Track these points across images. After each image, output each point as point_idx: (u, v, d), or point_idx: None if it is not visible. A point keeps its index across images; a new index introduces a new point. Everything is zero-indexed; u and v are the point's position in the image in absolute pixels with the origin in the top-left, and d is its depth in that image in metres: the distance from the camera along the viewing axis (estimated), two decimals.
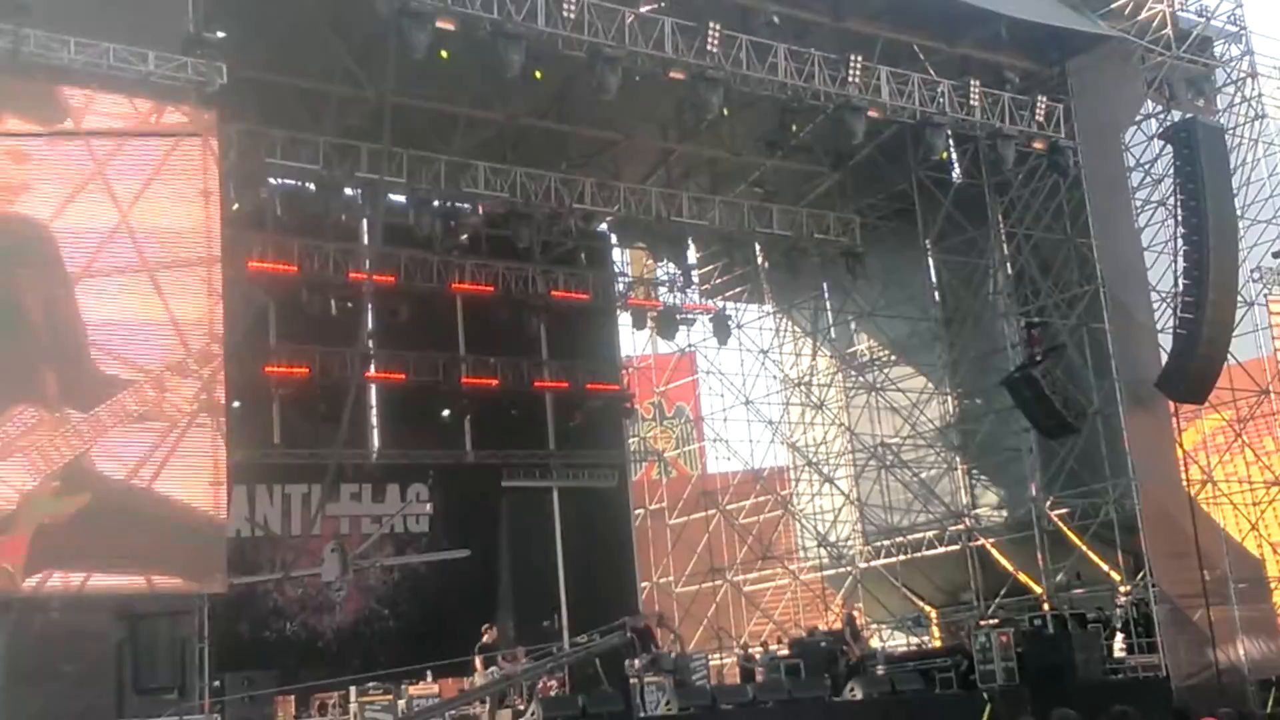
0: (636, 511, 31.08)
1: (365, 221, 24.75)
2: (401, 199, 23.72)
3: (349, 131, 22.21)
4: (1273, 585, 26.35)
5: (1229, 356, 24.61)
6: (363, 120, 22.13)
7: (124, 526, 15.81)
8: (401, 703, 19.15)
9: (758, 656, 25.26)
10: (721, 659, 27.82)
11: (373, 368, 25.48)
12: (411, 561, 25.94)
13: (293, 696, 19.94)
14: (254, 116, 20.97)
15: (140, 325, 16.70)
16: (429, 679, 20.22)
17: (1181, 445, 25.55)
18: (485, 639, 20.53)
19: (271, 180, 22.52)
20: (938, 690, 22.65)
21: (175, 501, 16.38)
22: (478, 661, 20.24)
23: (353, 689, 20.07)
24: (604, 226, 27.61)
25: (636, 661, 20.00)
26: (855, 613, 28.51)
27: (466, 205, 24.91)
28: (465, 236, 25.24)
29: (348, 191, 22.93)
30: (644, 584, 30.53)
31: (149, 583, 16.11)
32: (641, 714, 18.75)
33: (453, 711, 19.04)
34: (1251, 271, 26.47)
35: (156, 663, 16.06)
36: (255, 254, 22.89)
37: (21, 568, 15.25)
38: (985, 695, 21.00)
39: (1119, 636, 25.12)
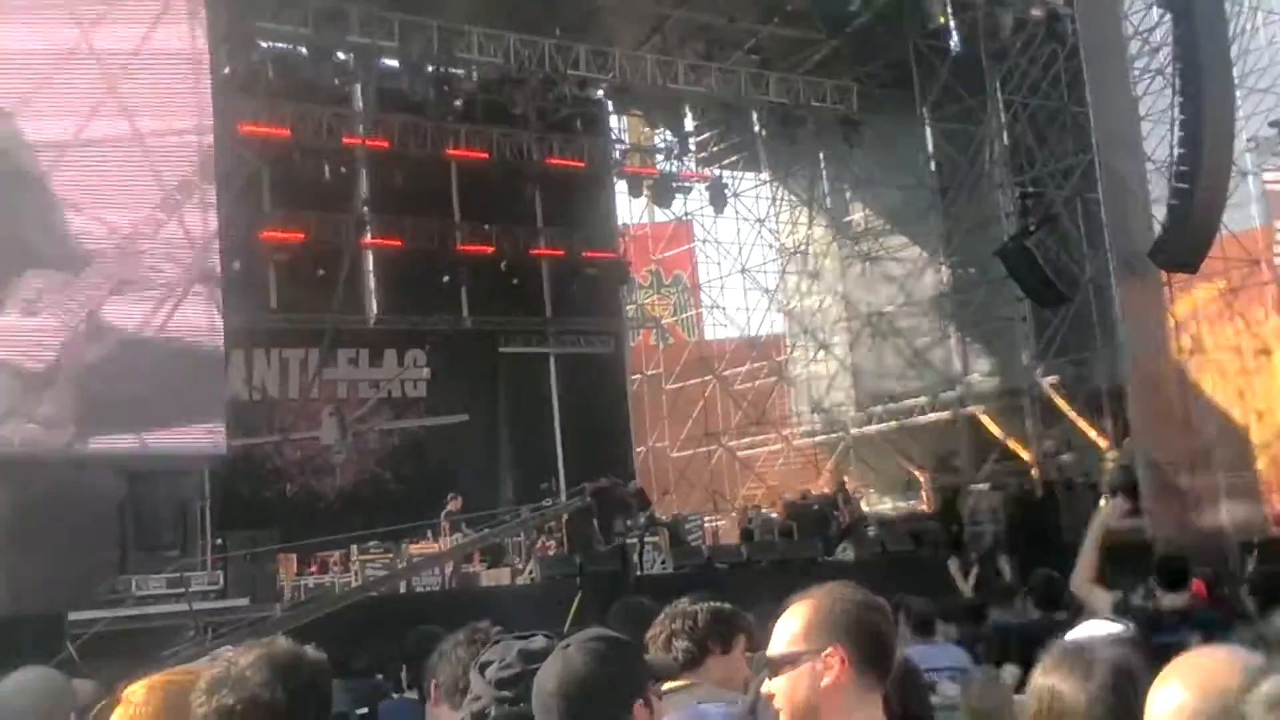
0: (633, 377, 31.32)
1: (358, 86, 24.58)
2: (394, 64, 23.54)
3: None
4: (1257, 451, 26.72)
5: (1222, 227, 24.67)
6: None
7: (125, 386, 16.03)
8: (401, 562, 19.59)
9: (753, 513, 25.71)
10: (716, 521, 28.26)
11: (369, 233, 25.52)
12: (409, 426, 26.23)
13: (294, 555, 20.32)
14: None
15: (132, 194, 16.78)
16: (430, 537, 20.65)
17: (1173, 314, 25.72)
18: (450, 507, 20.98)
19: (262, 44, 22.33)
20: (927, 552, 23.14)
21: (174, 365, 16.59)
22: (444, 528, 20.68)
23: (354, 547, 20.52)
24: (600, 93, 27.38)
25: (620, 523, 20.32)
26: (847, 478, 28.95)
27: (460, 71, 24.72)
28: (459, 102, 25.07)
29: (340, 56, 22.77)
30: (640, 448, 30.88)
31: (148, 443, 16.37)
32: (638, 573, 19.15)
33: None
34: (1248, 141, 26.36)
35: (158, 521, 16.43)
36: (247, 118, 22.78)
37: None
38: (973, 557, 21.43)
39: (1106, 501, 25.50)
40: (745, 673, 2.99)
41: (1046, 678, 2.77)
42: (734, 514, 27.26)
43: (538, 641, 2.85)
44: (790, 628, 2.79)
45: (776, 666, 2.75)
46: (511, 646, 2.80)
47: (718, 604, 3.54)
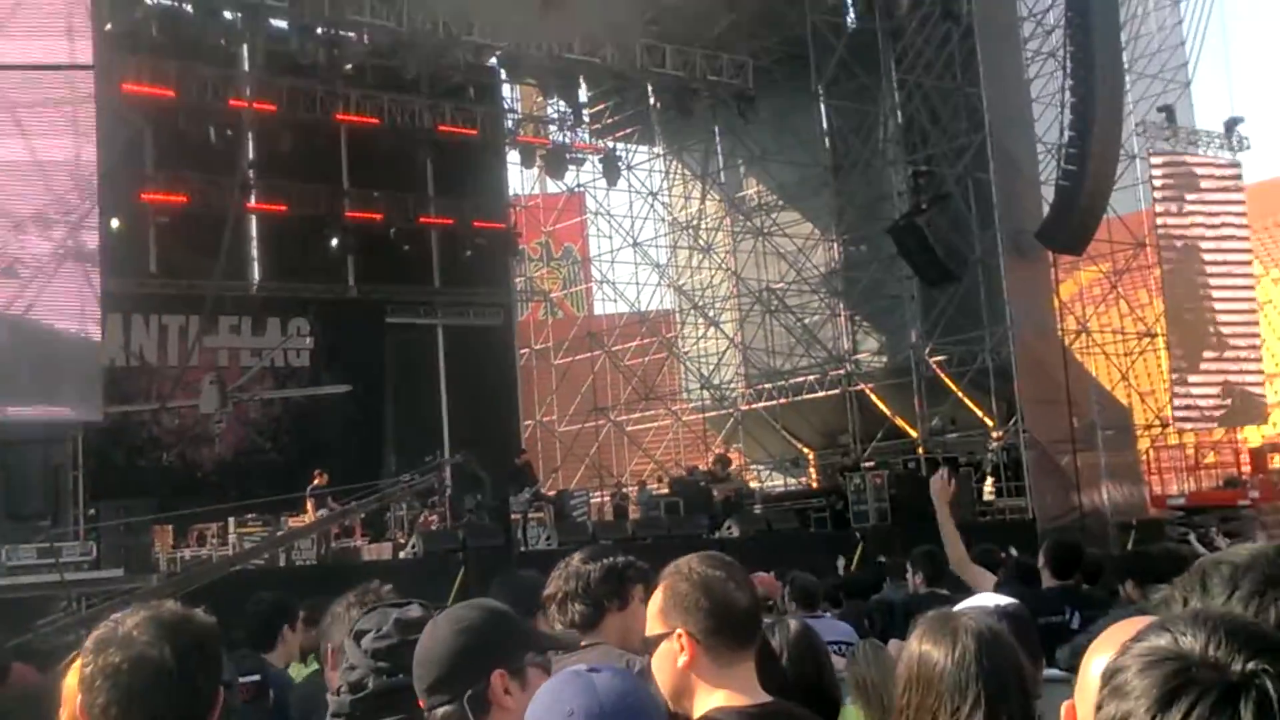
0: (521, 351, 31.07)
1: (245, 47, 23.94)
2: (283, 25, 22.95)
3: None
4: (1139, 433, 27.26)
5: (1109, 209, 25.07)
6: None
7: None
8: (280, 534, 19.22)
9: (633, 495, 25.61)
10: (603, 497, 28.15)
11: (253, 198, 24.91)
12: (291, 395, 25.72)
13: (170, 526, 19.79)
14: None
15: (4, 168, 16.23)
16: (310, 509, 20.29)
17: (1059, 295, 26.11)
18: (317, 481, 20.78)
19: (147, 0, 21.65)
20: (813, 529, 23.24)
21: (48, 331, 16.05)
22: (309, 503, 20.36)
23: (231, 519, 20.06)
24: (493, 61, 27.00)
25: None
26: (730, 454, 29.02)
27: (351, 34, 24.15)
28: (350, 66, 24.53)
29: (227, 15, 22.14)
30: (527, 422, 30.66)
31: (19, 410, 15.82)
32: (522, 548, 18.97)
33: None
34: (1136, 125, 26.80)
35: (29, 489, 15.90)
36: (130, 77, 22.08)
37: None
38: (857, 534, 21.57)
39: (989, 480, 25.87)
40: (644, 625, 2.91)
41: (915, 644, 2.94)
42: (609, 490, 27.06)
43: (414, 610, 2.76)
44: (651, 610, 2.89)
45: (650, 647, 2.85)
46: (388, 615, 2.71)
47: (609, 560, 3.38)
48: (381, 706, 2.57)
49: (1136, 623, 2.20)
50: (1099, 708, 1.46)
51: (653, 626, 2.84)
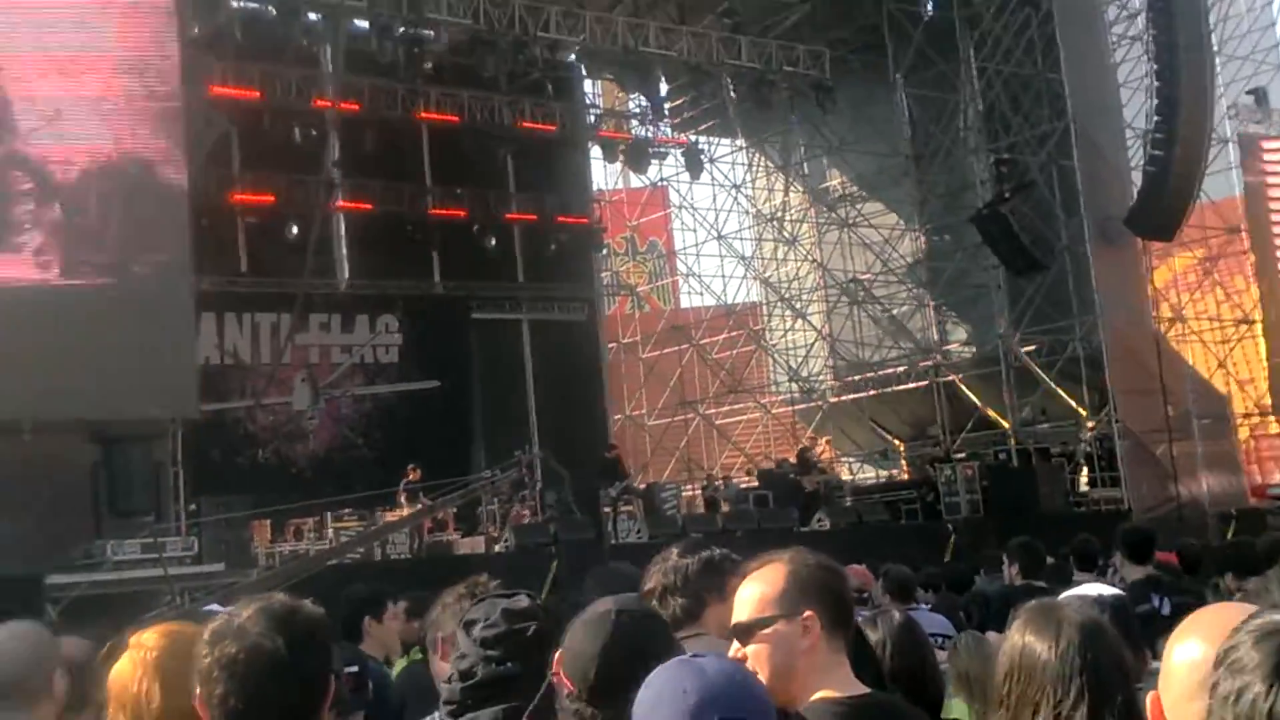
0: (609, 345, 31.16)
1: (327, 48, 24.23)
2: (364, 25, 23.21)
3: None
4: (1238, 422, 26.76)
5: (1200, 194, 24.63)
6: None
7: (96, 352, 15.81)
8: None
9: (722, 487, 25.59)
10: (693, 490, 28.18)
11: (339, 197, 25.23)
12: (381, 391, 26.02)
13: (268, 521, 20.15)
14: None
15: (100, 150, 16.60)
16: (404, 504, 20.53)
17: (1152, 282, 25.71)
18: (411, 477, 20.88)
19: (231, 3, 21.99)
20: (903, 521, 23.11)
21: (147, 331, 16.39)
22: (403, 498, 20.56)
23: (328, 514, 20.35)
24: (572, 57, 27.07)
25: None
26: (817, 446, 28.88)
27: (429, 33, 24.34)
28: (429, 65, 24.71)
29: (309, 16, 22.43)
30: (616, 416, 30.76)
31: (121, 408, 16.17)
32: (613, 542, 19.05)
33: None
34: (1227, 109, 26.32)
35: (132, 486, 16.23)
36: (216, 79, 22.45)
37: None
38: (950, 526, 21.42)
39: (1083, 471, 25.54)
40: None
41: (1017, 636, 2.92)
42: (703, 483, 27.00)
43: (521, 601, 2.81)
44: (758, 593, 2.83)
45: (748, 632, 2.79)
46: (496, 605, 2.77)
47: (708, 553, 3.40)
48: (491, 694, 2.63)
49: (1223, 609, 2.20)
50: (1214, 687, 1.46)
51: (760, 610, 2.81)
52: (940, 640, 7.12)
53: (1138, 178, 24.09)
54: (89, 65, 16.39)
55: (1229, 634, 1.50)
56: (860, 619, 3.41)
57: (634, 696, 2.08)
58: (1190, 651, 2.04)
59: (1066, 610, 2.97)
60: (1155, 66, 23.16)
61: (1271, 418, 27.29)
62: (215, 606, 5.76)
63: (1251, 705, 1.38)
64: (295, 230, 23.34)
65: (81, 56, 16.35)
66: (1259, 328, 27.02)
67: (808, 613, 2.77)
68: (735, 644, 2.81)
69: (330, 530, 20.09)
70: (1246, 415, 27.15)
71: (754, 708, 2.07)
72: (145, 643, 3.05)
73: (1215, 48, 24.79)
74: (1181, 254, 27.20)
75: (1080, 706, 2.77)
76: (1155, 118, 23.20)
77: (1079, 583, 5.60)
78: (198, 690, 2.61)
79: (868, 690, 2.87)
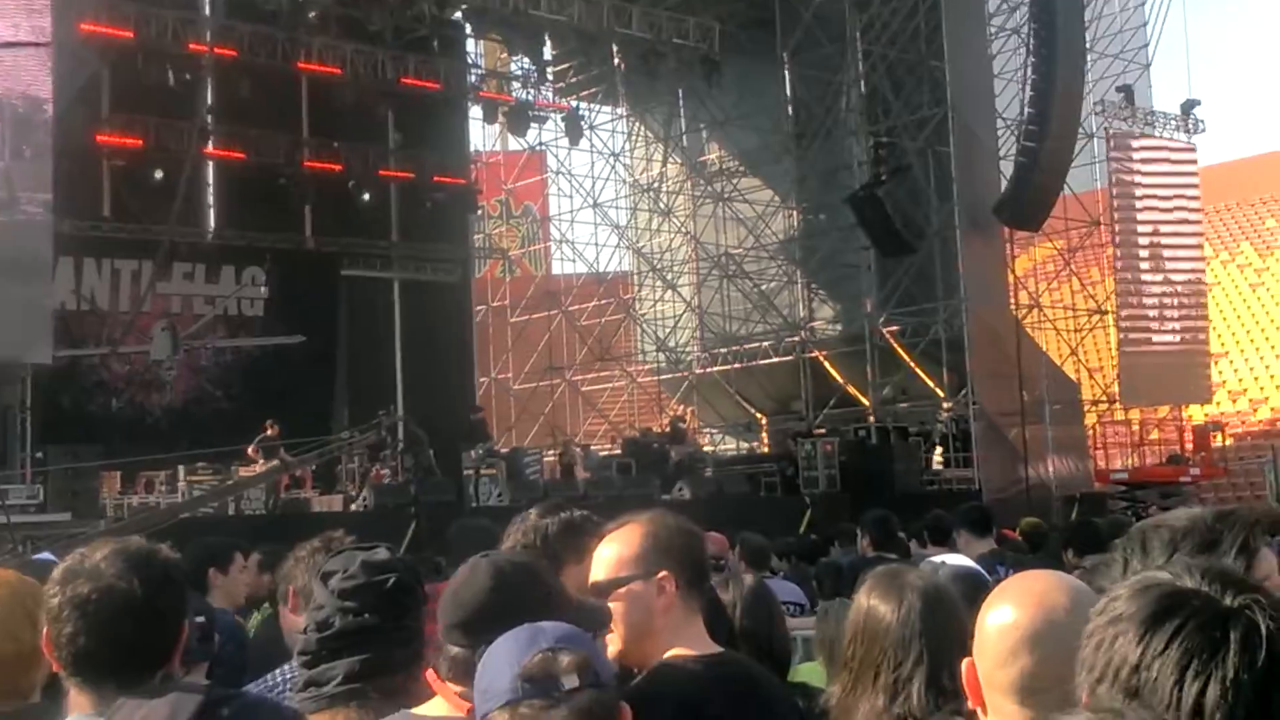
0: (478, 308, 30.98)
1: None
2: None
3: None
4: (1086, 409, 27.59)
5: (1065, 187, 25.26)
6: None
7: None
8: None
9: (580, 453, 25.65)
10: (556, 456, 28.20)
11: (211, 144, 24.66)
12: (244, 345, 25.57)
13: (118, 472, 19.69)
14: None
15: None
16: (257, 459, 20.22)
17: (1013, 270, 26.34)
18: (269, 433, 20.58)
19: None
20: (763, 493, 23.42)
21: None
22: (257, 453, 20.33)
23: (181, 467, 19.97)
24: (458, 15, 26.78)
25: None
26: (683, 418, 29.12)
27: None
28: (313, 15, 24.25)
29: None
30: (482, 380, 30.64)
31: None
32: (474, 504, 19.02)
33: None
34: (1095, 104, 27.01)
35: None
36: (88, 16, 21.77)
37: None
38: (807, 500, 21.76)
39: (938, 450, 26.12)
40: None
41: (863, 599, 2.97)
42: (554, 450, 26.96)
43: (381, 553, 2.79)
44: (615, 553, 2.87)
45: (605, 591, 2.81)
46: (354, 557, 2.75)
47: (568, 513, 3.40)
48: (347, 645, 2.61)
49: (1035, 575, 2.29)
50: (1089, 635, 1.50)
51: (618, 569, 2.85)
52: (792, 608, 7.28)
53: (1007, 167, 24.61)
54: None
55: (1111, 588, 1.55)
56: (714, 583, 3.46)
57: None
58: (1002, 616, 2.11)
59: (911, 576, 3.02)
60: (1033, 60, 23.65)
61: (1118, 405, 28.16)
62: (48, 555, 5.63)
63: (1123, 652, 1.43)
64: (162, 175, 22.75)
65: None
66: (1110, 318, 27.86)
67: (663, 573, 2.81)
68: None
69: (183, 483, 19.72)
70: (1095, 402, 27.99)
71: (584, 643, 2.08)
72: None
73: (1088, 45, 25.40)
74: (1042, 244, 27.90)
75: (919, 669, 2.81)
76: (1029, 110, 23.72)
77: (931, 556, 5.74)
78: (44, 629, 2.56)
79: (720, 650, 2.91)
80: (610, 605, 2.80)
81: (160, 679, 2.55)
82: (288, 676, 3.27)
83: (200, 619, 5.49)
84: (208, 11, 23.91)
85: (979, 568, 4.67)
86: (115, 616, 2.51)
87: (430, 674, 2.49)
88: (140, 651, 2.54)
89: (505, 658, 2.00)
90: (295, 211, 25.61)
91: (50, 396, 18.98)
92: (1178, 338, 28.58)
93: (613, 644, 2.79)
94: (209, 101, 23.86)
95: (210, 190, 25.53)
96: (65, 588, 2.54)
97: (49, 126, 16.89)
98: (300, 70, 24.90)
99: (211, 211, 25.61)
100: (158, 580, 2.57)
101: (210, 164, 25.14)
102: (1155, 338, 28.22)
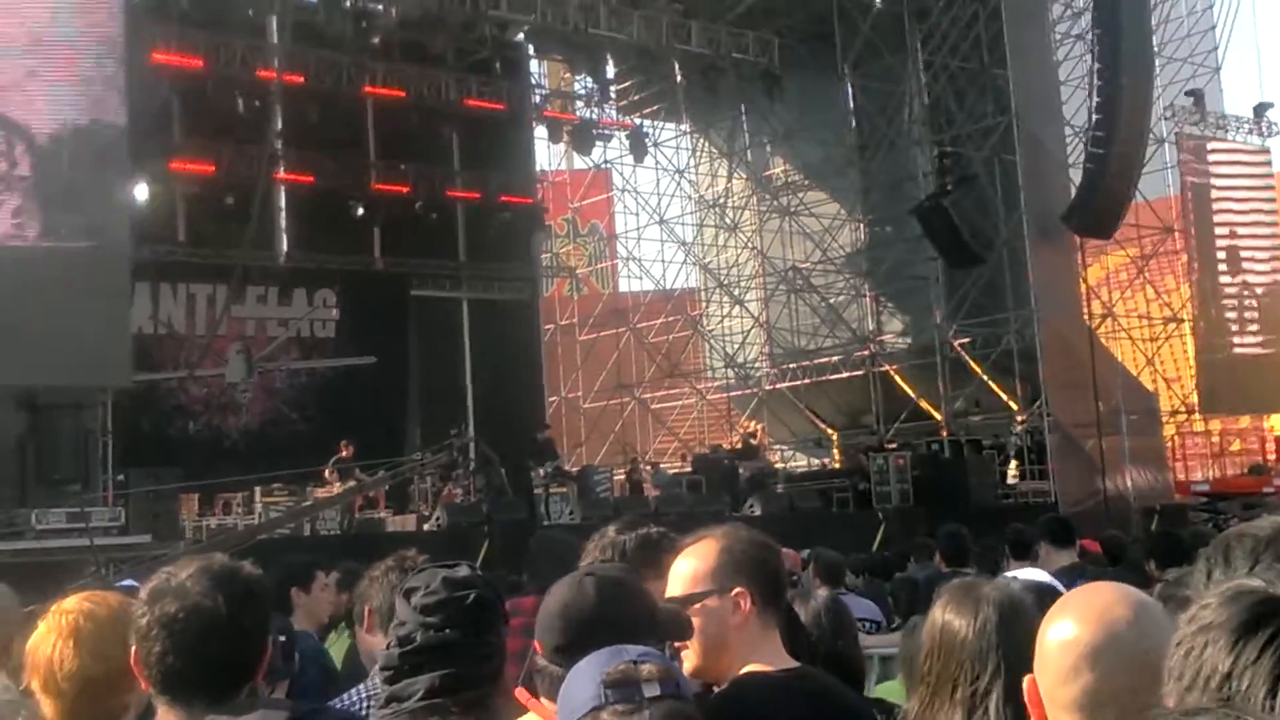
0: (546, 327, 31.12)
1: (274, 18, 23.99)
2: None
3: None
4: (1164, 419, 27.19)
5: (1136, 194, 24.98)
6: None
7: (28, 319, 15.60)
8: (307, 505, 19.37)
9: (647, 473, 25.66)
10: (624, 473, 28.23)
11: (281, 169, 25.02)
12: (317, 366, 25.84)
13: (196, 494, 19.96)
14: None
15: (40, 113, 16.36)
16: (332, 481, 20.41)
17: (1085, 279, 26.04)
18: (343, 454, 20.73)
19: None
20: (835, 509, 23.28)
21: (79, 298, 16.19)
22: (333, 474, 20.47)
23: (257, 489, 20.19)
24: (520, 36, 26.99)
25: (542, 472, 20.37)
26: (753, 434, 29.02)
27: (378, 7, 24.18)
28: (377, 40, 24.56)
29: None
30: (552, 398, 30.75)
31: (51, 374, 15.98)
32: (545, 523, 19.07)
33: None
34: (1165, 109, 26.69)
35: (59, 455, 16.04)
36: (159, 46, 22.16)
37: None
38: (880, 515, 21.62)
39: (1012, 463, 25.85)
40: None
41: (938, 614, 2.93)
42: (623, 468, 26.93)
43: (461, 570, 2.82)
44: (691, 568, 2.89)
45: (681, 607, 2.81)
46: (435, 574, 2.78)
47: (645, 530, 3.43)
48: (429, 660, 2.64)
49: (1096, 588, 2.25)
50: (1178, 645, 1.48)
51: (694, 585, 2.86)
52: (867, 625, 7.23)
53: (1076, 175, 24.37)
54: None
55: (1199, 595, 1.53)
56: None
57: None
58: (1063, 631, 2.07)
59: (986, 589, 2.99)
60: (1098, 65, 23.40)
61: (1197, 415, 27.74)
62: (131, 581, 5.71)
63: (1214, 661, 1.42)
64: (233, 201, 23.09)
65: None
66: (1187, 326, 27.46)
67: (739, 588, 2.82)
68: None
69: (259, 505, 19.93)
70: (1173, 413, 27.59)
71: (665, 659, 2.10)
72: (63, 608, 3.05)
73: (1155, 49, 25.12)
74: (1115, 252, 27.58)
75: (996, 682, 2.78)
76: (1096, 116, 23.46)
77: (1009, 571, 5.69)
78: (134, 649, 2.61)
79: (797, 664, 2.91)
80: None
81: (245, 695, 2.60)
82: (370, 693, 3.32)
83: (282, 638, 5.56)
84: (275, 39, 24.23)
85: (1054, 581, 4.62)
86: (202, 634, 2.56)
87: (521, 692, 2.52)
88: (226, 668, 2.59)
89: (589, 671, 2.03)
90: (364, 233, 25.96)
91: (130, 420, 19.27)
92: (1258, 344, 28.12)
93: (688, 659, 2.80)
94: (278, 127, 24.20)
95: (281, 214, 25.88)
96: (153, 607, 2.59)
97: (126, 155, 17.17)
98: (366, 94, 25.28)
99: (283, 235, 25.95)
100: (241, 597, 2.62)
101: (281, 188, 25.51)
102: (1235, 345, 27.78)
